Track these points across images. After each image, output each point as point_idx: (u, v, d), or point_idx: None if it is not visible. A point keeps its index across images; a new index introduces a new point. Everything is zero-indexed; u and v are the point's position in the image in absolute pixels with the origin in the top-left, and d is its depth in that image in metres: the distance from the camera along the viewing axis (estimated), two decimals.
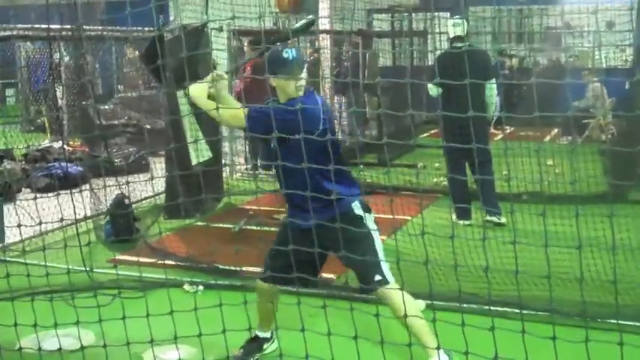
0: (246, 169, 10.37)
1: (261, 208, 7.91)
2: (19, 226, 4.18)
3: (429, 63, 14.64)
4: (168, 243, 6.48)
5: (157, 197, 7.96)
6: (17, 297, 4.24)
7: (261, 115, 3.58)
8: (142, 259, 5.61)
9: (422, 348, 3.51)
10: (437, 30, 11.16)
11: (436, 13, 12.82)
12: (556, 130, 13.78)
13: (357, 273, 3.81)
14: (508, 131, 13.08)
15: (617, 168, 7.93)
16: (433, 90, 7.16)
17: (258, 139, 3.81)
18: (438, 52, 9.12)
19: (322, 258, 3.75)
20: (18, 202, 6.26)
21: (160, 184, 7.99)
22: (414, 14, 14.37)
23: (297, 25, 3.93)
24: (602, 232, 4.63)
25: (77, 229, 4.57)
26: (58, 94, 12.37)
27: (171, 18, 8.92)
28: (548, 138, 13.52)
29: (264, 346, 4.19)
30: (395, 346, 3.34)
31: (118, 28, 9.45)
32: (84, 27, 7.29)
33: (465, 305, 4.00)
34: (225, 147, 9.55)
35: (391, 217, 3.97)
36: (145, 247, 6.31)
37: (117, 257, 6.12)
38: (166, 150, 7.59)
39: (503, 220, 7.04)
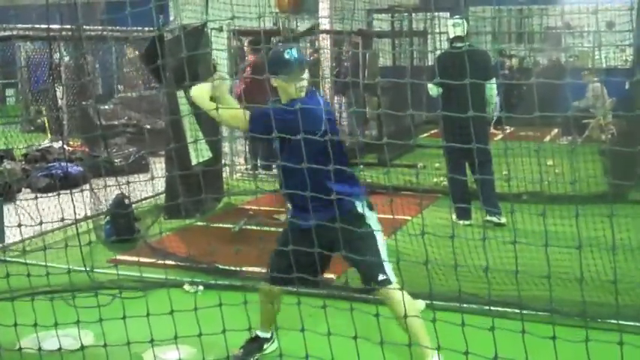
0: (246, 169, 10.37)
1: (261, 208, 7.91)
2: (19, 225, 4.18)
3: (429, 63, 14.64)
4: (168, 243, 6.48)
5: (157, 197, 7.96)
6: (17, 297, 4.25)
7: (261, 115, 3.59)
8: (142, 259, 5.61)
9: (420, 348, 3.52)
10: (437, 30, 11.16)
11: (436, 13, 12.81)
12: (556, 130, 13.78)
13: (361, 272, 3.81)
14: (508, 131, 13.08)
15: (617, 168, 7.93)
16: (433, 90, 7.16)
17: (260, 140, 3.81)
18: (438, 52, 9.12)
19: (327, 258, 3.76)
20: (18, 202, 6.26)
21: (160, 184, 7.99)
22: (414, 14, 14.37)
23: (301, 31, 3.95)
24: (602, 232, 4.63)
25: (77, 229, 4.57)
26: (58, 94, 12.37)
27: (171, 18, 8.92)
28: (548, 138, 13.52)
29: (265, 346, 4.19)
30: (395, 346, 3.34)
31: (118, 28, 9.44)
32: (84, 27, 7.28)
33: (465, 305, 4.00)
34: (225, 147, 9.55)
35: (391, 217, 3.96)
36: (145, 247, 6.31)
37: (117, 257, 6.12)
38: (166, 150, 7.60)
39: (503, 220, 7.04)
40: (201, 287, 5.35)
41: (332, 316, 3.24)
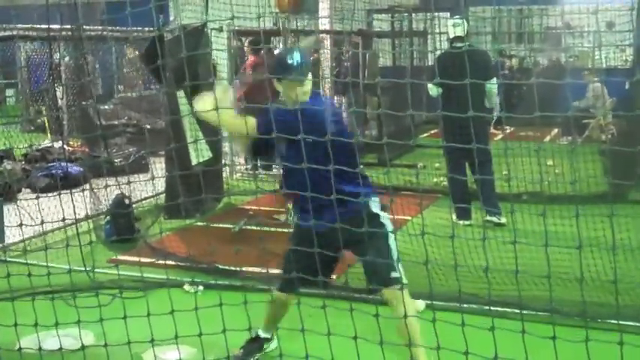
0: (246, 169, 10.37)
1: (261, 208, 7.91)
2: (20, 225, 4.19)
3: (429, 63, 14.65)
4: (168, 243, 6.48)
5: (157, 197, 7.96)
6: (18, 297, 4.25)
7: (268, 119, 3.53)
8: (142, 259, 5.61)
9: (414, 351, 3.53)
10: (437, 30, 11.16)
11: (436, 13, 12.82)
12: (556, 130, 13.78)
13: (373, 272, 3.77)
14: (508, 131, 13.08)
15: (617, 168, 7.93)
16: (433, 90, 7.16)
17: (269, 145, 3.73)
18: (438, 52, 9.12)
19: (338, 259, 3.77)
20: (18, 202, 6.26)
21: (160, 184, 8.00)
22: (414, 14, 14.37)
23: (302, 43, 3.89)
24: (602, 232, 4.63)
25: (77, 229, 4.57)
26: (58, 94, 12.38)
27: (171, 18, 8.91)
28: (548, 138, 13.53)
29: (265, 346, 4.20)
30: (395, 346, 3.34)
31: (118, 28, 9.45)
32: (84, 27, 7.29)
33: (464, 305, 4.00)
34: (225, 147, 9.55)
35: (391, 217, 3.96)
36: (146, 247, 6.32)
37: (117, 257, 6.11)
38: (166, 150, 7.60)
39: (503, 220, 7.05)
40: (201, 287, 5.35)
41: (332, 316, 3.24)
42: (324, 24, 11.36)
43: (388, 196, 3.58)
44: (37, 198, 4.49)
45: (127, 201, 6.80)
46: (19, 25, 8.29)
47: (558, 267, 3.78)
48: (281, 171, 3.71)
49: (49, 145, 10.78)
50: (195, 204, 6.98)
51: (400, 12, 13.87)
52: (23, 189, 8.90)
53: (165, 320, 3.46)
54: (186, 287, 5.36)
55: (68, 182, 7.75)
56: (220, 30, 9.41)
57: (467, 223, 7.02)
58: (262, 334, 4.17)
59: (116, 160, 9.37)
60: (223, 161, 8.93)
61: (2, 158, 9.37)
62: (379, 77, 11.82)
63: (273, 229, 6.90)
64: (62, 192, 3.99)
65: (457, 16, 7.59)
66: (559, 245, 3.14)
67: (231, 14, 4.12)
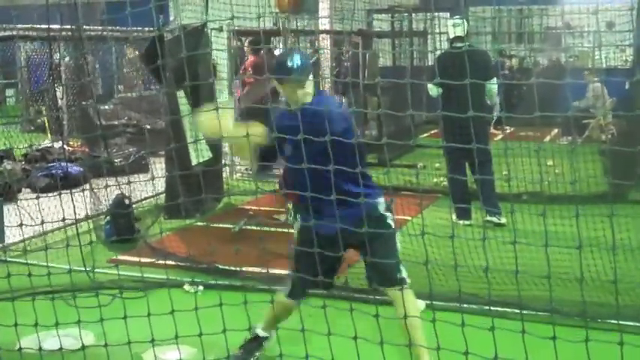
0: (246, 169, 10.37)
1: (261, 208, 7.91)
2: (20, 225, 4.19)
3: (429, 63, 14.64)
4: (168, 243, 6.48)
5: (157, 197, 7.96)
6: (18, 297, 4.25)
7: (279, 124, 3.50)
8: (142, 259, 5.61)
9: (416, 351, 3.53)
10: (437, 30, 11.16)
11: (436, 13, 12.80)
12: (556, 131, 13.78)
13: (381, 271, 3.77)
14: (508, 131, 13.08)
15: (617, 168, 7.93)
16: (433, 90, 7.16)
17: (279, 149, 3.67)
18: (438, 53, 9.12)
19: (341, 259, 3.77)
20: (19, 202, 6.26)
21: (160, 184, 8.00)
22: (414, 14, 14.37)
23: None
24: (602, 232, 4.63)
25: (77, 229, 4.57)
26: (58, 94, 12.37)
27: (171, 18, 8.92)
28: (548, 138, 13.53)
29: (264, 344, 4.18)
30: (395, 347, 3.34)
31: (118, 28, 9.45)
32: (84, 27, 7.29)
33: (464, 305, 4.00)
34: (225, 147, 9.55)
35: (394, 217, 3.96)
36: (146, 247, 6.32)
37: (117, 257, 6.11)
38: (166, 150, 7.60)
39: (503, 220, 7.05)
40: (201, 287, 5.35)
41: (332, 316, 3.24)
42: (324, 24, 11.37)
43: (388, 196, 3.58)
44: (37, 198, 4.50)
45: (127, 201, 6.80)
46: (19, 25, 8.30)
47: (558, 267, 3.79)
48: (285, 175, 3.66)
49: (49, 145, 10.78)
50: (195, 204, 6.98)
51: (400, 12, 13.87)
52: (23, 189, 8.90)
53: (166, 320, 3.46)
54: (186, 287, 5.36)
55: (68, 182, 7.75)
56: (220, 30, 9.40)
57: (467, 223, 7.02)
58: (261, 334, 4.16)
59: (116, 160, 9.37)
60: (223, 161, 8.93)
61: (2, 158, 9.37)
62: (379, 77, 11.80)
63: (273, 229, 6.90)
64: (62, 192, 3.99)
65: (457, 16, 7.59)
66: (559, 245, 3.14)
67: (231, 14, 4.11)
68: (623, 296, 4.53)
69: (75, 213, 4.26)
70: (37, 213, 4.55)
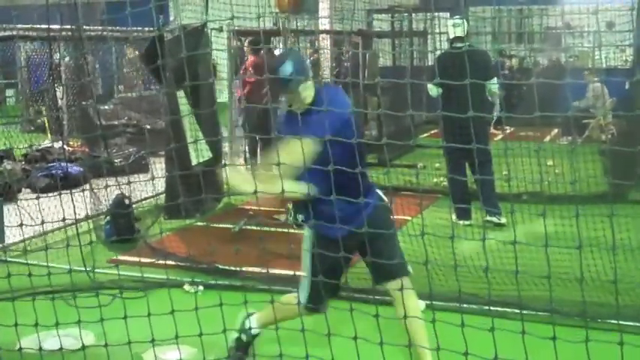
0: (246, 169, 10.36)
1: (261, 208, 7.91)
2: (20, 225, 4.19)
3: (429, 63, 14.64)
4: (168, 243, 6.48)
5: (157, 197, 7.96)
6: (18, 297, 4.25)
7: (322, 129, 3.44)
8: (142, 260, 5.61)
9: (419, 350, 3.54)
10: (437, 30, 11.16)
11: (436, 14, 12.81)
12: (556, 131, 13.78)
13: (388, 266, 3.70)
14: (508, 131, 13.08)
15: (617, 168, 7.93)
16: (433, 90, 7.16)
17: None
18: (438, 53, 9.12)
19: (349, 262, 3.78)
20: (19, 202, 6.27)
21: (160, 184, 8.00)
22: (414, 14, 14.37)
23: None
24: (602, 232, 4.64)
25: (77, 229, 4.57)
26: (58, 94, 12.37)
27: (171, 18, 8.93)
28: (548, 138, 13.53)
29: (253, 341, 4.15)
30: (395, 347, 3.34)
31: (118, 28, 9.45)
32: (84, 27, 7.29)
33: (464, 305, 4.00)
34: (225, 147, 9.55)
35: (391, 217, 3.97)
36: (146, 247, 6.32)
37: (117, 257, 6.12)
38: (166, 150, 7.60)
39: (503, 220, 7.05)
40: (201, 287, 5.35)
41: (332, 316, 3.24)
42: (324, 24, 11.37)
43: (388, 196, 3.58)
44: (37, 198, 4.49)
45: (127, 201, 6.80)
46: (19, 25, 8.29)
47: (558, 267, 3.79)
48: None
49: (49, 145, 10.78)
50: (195, 204, 6.98)
51: (400, 12, 13.87)
52: (23, 189, 8.90)
53: (166, 320, 3.46)
54: (186, 287, 5.36)
55: (68, 182, 7.75)
56: (220, 30, 9.41)
57: (467, 223, 7.02)
58: (256, 332, 4.11)
59: (116, 160, 9.37)
60: (223, 161, 8.93)
61: (2, 158, 9.37)
62: (379, 77, 11.81)
63: (273, 229, 6.90)
64: (62, 192, 3.99)
65: (457, 17, 7.58)
66: (559, 245, 3.14)
67: (231, 14, 4.10)
68: (623, 296, 4.53)
69: (75, 213, 4.26)
70: (37, 213, 4.54)
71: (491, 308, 3.99)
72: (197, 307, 3.38)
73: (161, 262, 5.43)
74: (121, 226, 6.62)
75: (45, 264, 4.01)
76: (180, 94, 7.15)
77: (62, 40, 9.42)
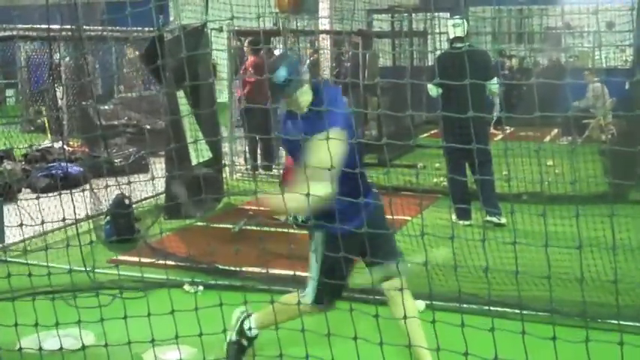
0: (246, 169, 10.37)
1: (261, 208, 7.90)
2: (20, 225, 4.19)
3: (429, 63, 14.65)
4: (168, 243, 6.48)
5: (157, 197, 7.96)
6: (18, 297, 4.25)
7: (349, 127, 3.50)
8: (142, 260, 5.61)
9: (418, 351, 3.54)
10: (437, 30, 11.16)
11: (436, 14, 12.81)
12: (556, 131, 13.78)
13: (388, 249, 3.75)
14: (508, 131, 13.08)
15: (617, 168, 7.93)
16: (433, 90, 7.16)
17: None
18: (438, 53, 9.13)
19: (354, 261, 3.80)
20: (19, 202, 6.27)
21: (160, 184, 8.00)
22: (414, 14, 14.37)
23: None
24: (602, 232, 4.63)
25: (77, 229, 4.57)
26: (58, 94, 12.37)
27: (171, 18, 8.92)
28: (548, 138, 13.53)
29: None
30: (395, 347, 3.34)
31: (118, 28, 9.45)
32: (84, 27, 7.29)
33: (464, 306, 4.00)
34: (225, 147, 9.55)
35: (391, 217, 3.97)
36: (145, 248, 6.32)
37: (117, 257, 6.12)
38: (166, 150, 7.60)
39: (503, 220, 7.05)
40: (201, 287, 5.35)
41: (332, 316, 3.24)
42: (324, 24, 11.37)
43: (388, 196, 3.59)
44: (37, 198, 4.49)
45: (127, 201, 6.80)
46: (19, 25, 8.29)
47: (558, 267, 3.79)
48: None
49: (49, 145, 10.79)
50: (196, 204, 6.98)
51: (400, 12, 13.88)
52: (23, 189, 8.90)
53: (166, 320, 3.46)
54: (186, 287, 5.36)
55: (68, 182, 7.75)
56: (220, 30, 9.41)
57: (467, 223, 7.02)
58: (254, 333, 4.10)
59: (116, 161, 9.37)
60: (223, 161, 8.93)
61: (2, 158, 9.37)
62: (379, 77, 11.81)
63: (273, 229, 6.89)
64: (62, 192, 3.99)
65: (457, 17, 7.58)
66: (559, 245, 3.14)
67: (231, 14, 4.10)
68: (623, 296, 4.53)
69: (75, 213, 4.26)
70: (37, 213, 4.54)
71: (491, 308, 3.99)
72: (197, 307, 3.38)
73: (161, 262, 5.43)
74: (121, 226, 6.62)
75: (45, 264, 4.01)
76: (180, 94, 7.15)
77: (62, 40, 9.42)
